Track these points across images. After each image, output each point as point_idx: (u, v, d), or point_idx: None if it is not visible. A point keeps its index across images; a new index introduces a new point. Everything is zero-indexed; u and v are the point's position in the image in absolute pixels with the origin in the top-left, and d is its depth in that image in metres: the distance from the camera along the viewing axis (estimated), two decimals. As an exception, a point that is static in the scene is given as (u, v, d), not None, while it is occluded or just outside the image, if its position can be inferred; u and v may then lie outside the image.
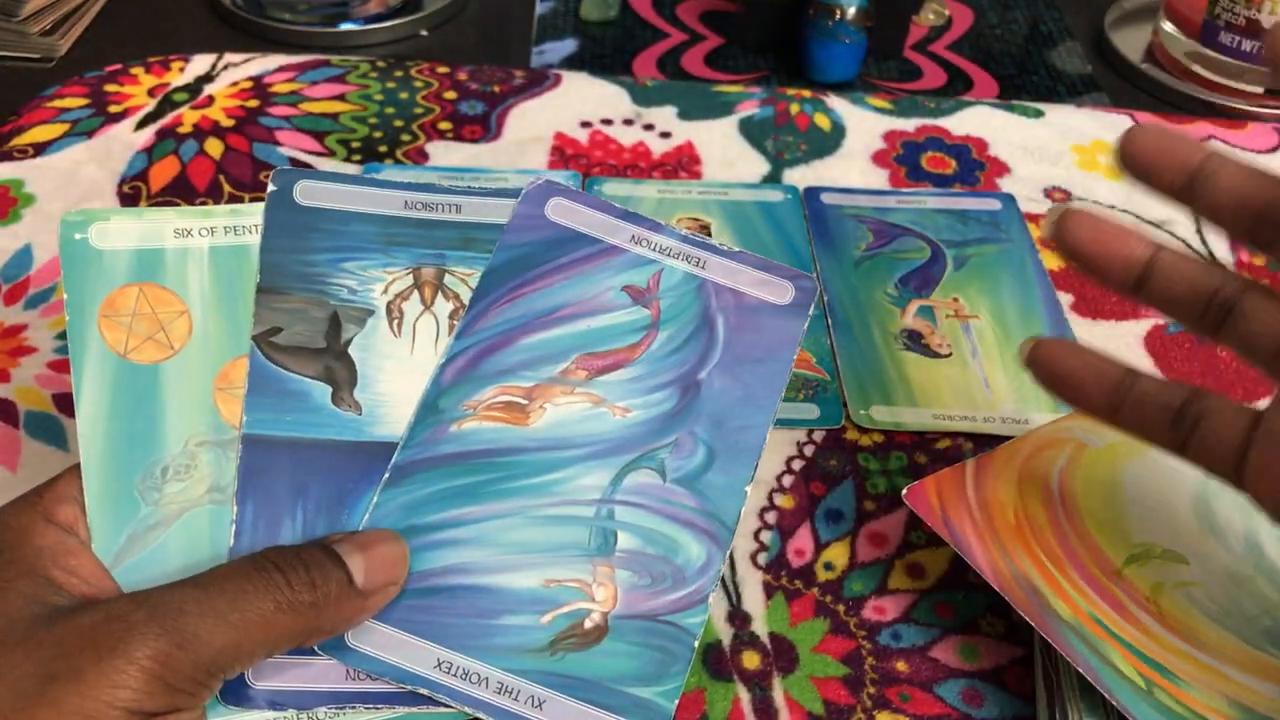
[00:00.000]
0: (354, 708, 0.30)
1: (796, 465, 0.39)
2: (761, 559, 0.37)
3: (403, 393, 0.35)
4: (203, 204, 0.47)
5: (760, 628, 0.35)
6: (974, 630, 0.35)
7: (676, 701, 0.31)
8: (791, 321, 0.36)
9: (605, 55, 0.62)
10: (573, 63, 0.61)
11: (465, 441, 0.34)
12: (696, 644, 0.31)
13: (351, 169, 0.50)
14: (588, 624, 0.31)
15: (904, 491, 0.35)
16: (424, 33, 0.61)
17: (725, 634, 0.34)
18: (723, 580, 0.36)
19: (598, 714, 0.30)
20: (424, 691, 0.30)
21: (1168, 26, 0.61)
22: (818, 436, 0.40)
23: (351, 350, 0.35)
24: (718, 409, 0.35)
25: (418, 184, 0.38)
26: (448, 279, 0.37)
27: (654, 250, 0.37)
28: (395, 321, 0.36)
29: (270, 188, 0.35)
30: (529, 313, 0.36)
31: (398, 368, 0.35)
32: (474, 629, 0.31)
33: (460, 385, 0.35)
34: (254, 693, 0.30)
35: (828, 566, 0.37)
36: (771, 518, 0.38)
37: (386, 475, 0.33)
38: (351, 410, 0.34)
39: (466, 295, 0.37)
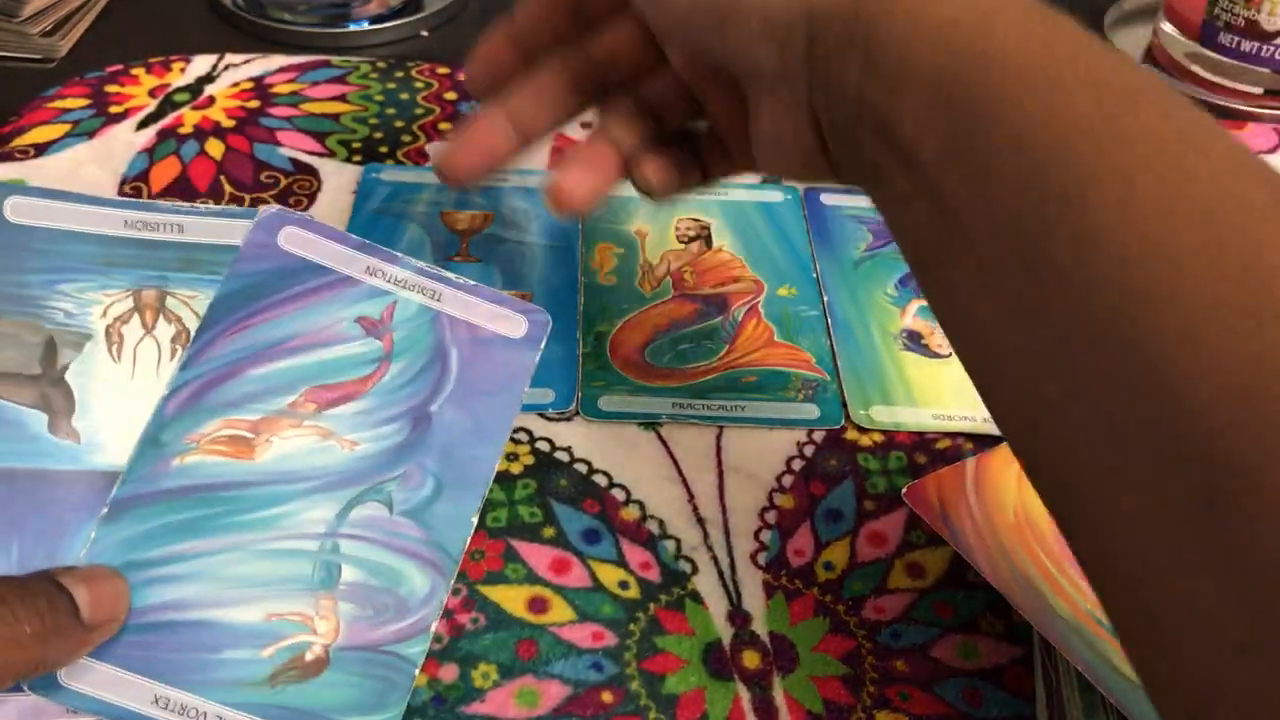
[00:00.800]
0: None
1: (796, 465, 0.40)
2: (761, 559, 0.37)
3: (123, 419, 0.34)
4: (204, 205, 0.47)
5: (760, 627, 0.35)
6: (974, 630, 0.35)
7: None
8: (524, 354, 0.37)
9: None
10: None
11: (188, 476, 0.34)
12: (416, 672, 0.31)
13: (352, 170, 0.50)
14: (308, 656, 0.31)
15: (904, 491, 0.35)
16: (424, 33, 0.61)
17: (725, 633, 0.35)
18: (723, 579, 0.36)
19: None
20: None
21: (1167, 27, 0.61)
22: (818, 436, 0.41)
23: (69, 376, 0.35)
24: (448, 441, 0.35)
25: (138, 202, 0.38)
26: (169, 301, 0.36)
27: (389, 282, 0.37)
28: (115, 346, 0.35)
29: None
30: (258, 343, 0.36)
31: (118, 393, 0.35)
32: (193, 664, 0.31)
33: (184, 418, 0.35)
34: None
35: (828, 566, 0.37)
36: (771, 517, 0.38)
37: (105, 510, 0.33)
38: (70, 439, 0.34)
39: (189, 318, 0.36)
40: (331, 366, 0.36)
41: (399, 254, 0.37)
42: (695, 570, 0.36)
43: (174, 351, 0.36)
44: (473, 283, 0.37)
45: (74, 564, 0.32)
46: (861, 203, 0.50)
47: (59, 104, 0.53)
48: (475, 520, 0.34)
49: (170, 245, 0.37)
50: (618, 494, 0.38)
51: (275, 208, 0.38)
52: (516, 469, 0.38)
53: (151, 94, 0.54)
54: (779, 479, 0.39)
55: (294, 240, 0.37)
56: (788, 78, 0.30)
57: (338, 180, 0.49)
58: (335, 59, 0.57)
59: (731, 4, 0.30)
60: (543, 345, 0.37)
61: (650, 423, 0.40)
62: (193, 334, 0.36)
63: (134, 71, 0.55)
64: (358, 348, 0.36)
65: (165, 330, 0.36)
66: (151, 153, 0.50)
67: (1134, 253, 0.22)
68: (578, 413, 0.40)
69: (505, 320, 0.37)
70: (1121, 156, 0.23)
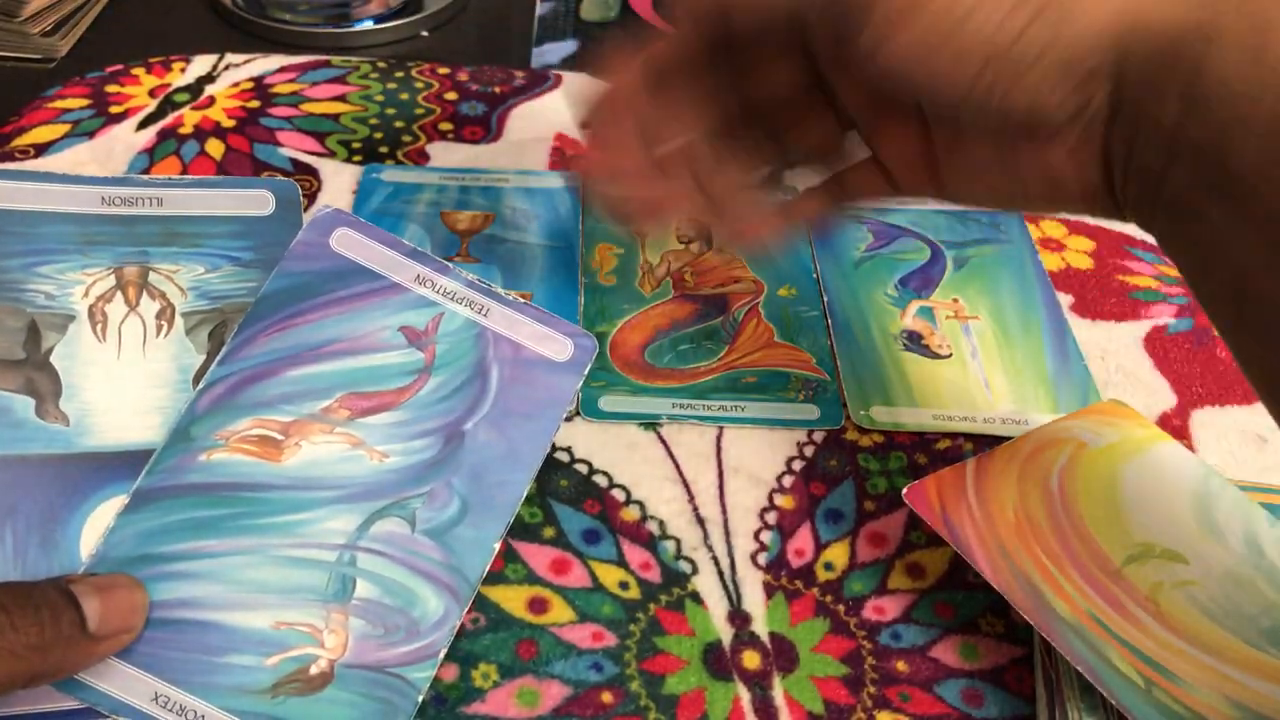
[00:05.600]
0: None
1: (796, 465, 0.40)
2: (762, 559, 0.37)
3: (111, 399, 0.34)
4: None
5: (760, 628, 0.35)
6: (974, 630, 0.35)
7: None
8: (566, 379, 0.36)
9: (606, 56, 0.62)
10: (573, 63, 0.61)
11: (213, 472, 0.33)
12: (420, 698, 0.31)
13: (352, 170, 0.50)
14: (313, 670, 0.31)
15: (904, 491, 0.35)
16: (425, 34, 0.61)
17: (725, 634, 0.35)
18: (723, 580, 0.36)
19: None
20: None
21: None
22: (818, 437, 0.41)
23: (54, 359, 0.34)
24: (479, 461, 0.35)
25: (115, 178, 0.37)
26: (152, 277, 0.36)
27: (437, 292, 0.37)
28: (99, 326, 0.35)
29: None
30: (298, 344, 0.36)
31: (104, 374, 0.34)
32: (197, 665, 0.30)
33: (215, 414, 0.34)
34: None
35: (828, 566, 0.37)
36: (772, 518, 0.38)
37: (127, 500, 0.33)
38: (58, 422, 0.33)
39: (173, 292, 0.36)
40: (370, 374, 0.36)
41: (451, 264, 0.37)
42: (695, 570, 0.36)
43: (159, 327, 0.35)
44: (522, 301, 0.37)
45: (95, 559, 0.32)
46: (861, 203, 0.50)
47: (59, 104, 0.53)
48: (497, 547, 0.34)
49: (150, 219, 0.36)
50: (618, 494, 0.38)
51: (331, 207, 0.38)
52: (517, 469, 0.38)
53: (151, 94, 0.54)
54: (779, 479, 0.39)
55: (346, 242, 0.37)
56: (1082, 122, 0.29)
57: (338, 180, 0.49)
58: (335, 59, 0.57)
59: (1020, 62, 0.28)
60: (585, 372, 0.36)
61: (650, 423, 0.40)
62: (233, 327, 0.35)
63: (134, 71, 0.55)
64: (398, 357, 0.36)
65: (149, 306, 0.35)
66: (152, 153, 0.50)
67: None
68: (578, 413, 0.40)
69: (551, 342, 0.36)
70: None
